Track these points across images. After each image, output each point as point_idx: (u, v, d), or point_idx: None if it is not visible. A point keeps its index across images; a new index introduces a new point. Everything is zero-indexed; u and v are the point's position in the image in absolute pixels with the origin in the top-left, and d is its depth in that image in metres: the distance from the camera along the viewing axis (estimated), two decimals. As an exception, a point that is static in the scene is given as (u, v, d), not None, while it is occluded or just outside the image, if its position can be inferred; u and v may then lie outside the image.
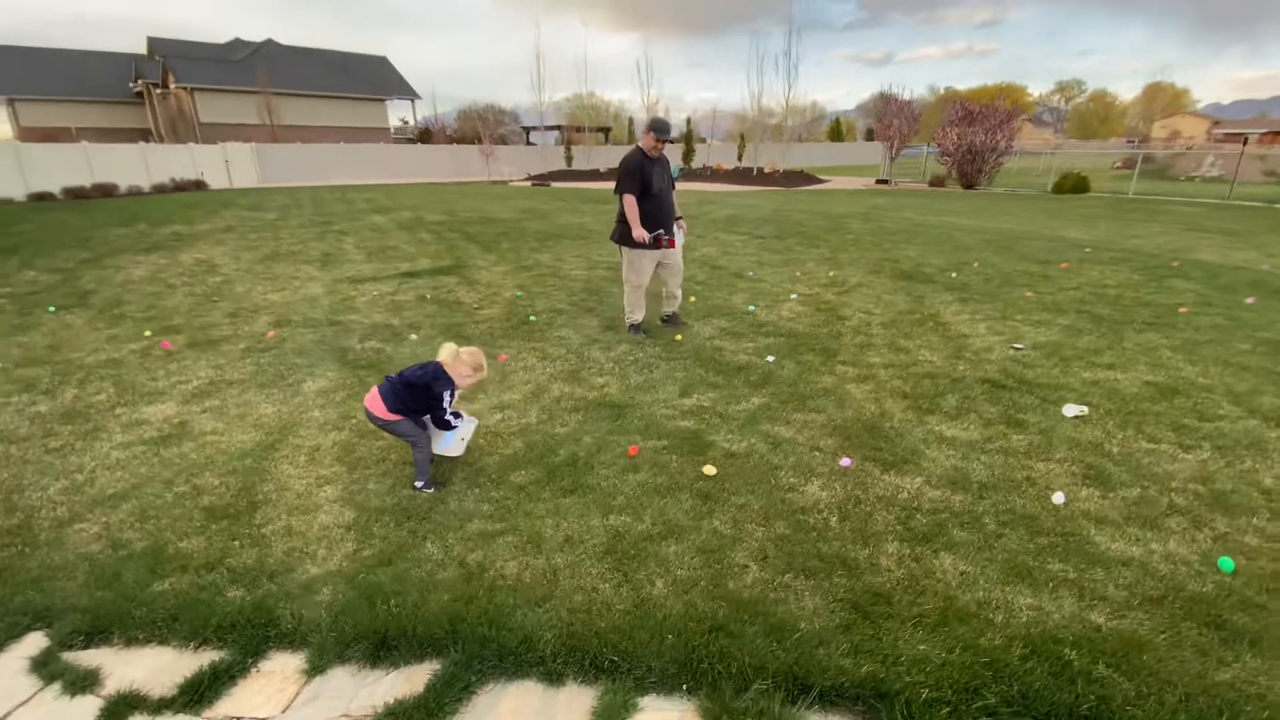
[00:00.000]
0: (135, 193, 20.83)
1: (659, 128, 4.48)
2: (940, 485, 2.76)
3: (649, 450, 3.06)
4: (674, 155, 30.10)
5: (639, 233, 4.42)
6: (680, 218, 4.85)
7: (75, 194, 19.41)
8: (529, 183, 25.14)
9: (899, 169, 23.86)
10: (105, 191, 20.27)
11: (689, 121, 30.61)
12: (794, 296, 6.15)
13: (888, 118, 22.00)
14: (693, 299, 6.08)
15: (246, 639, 1.96)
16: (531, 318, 5.45)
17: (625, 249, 4.64)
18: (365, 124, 34.35)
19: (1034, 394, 3.70)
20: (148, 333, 5.17)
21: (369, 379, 4.08)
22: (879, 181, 22.67)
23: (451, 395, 2.75)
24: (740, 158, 28.69)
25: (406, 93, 38.01)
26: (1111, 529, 2.44)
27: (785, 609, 2.03)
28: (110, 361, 4.50)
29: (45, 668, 1.87)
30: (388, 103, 36.60)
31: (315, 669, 1.88)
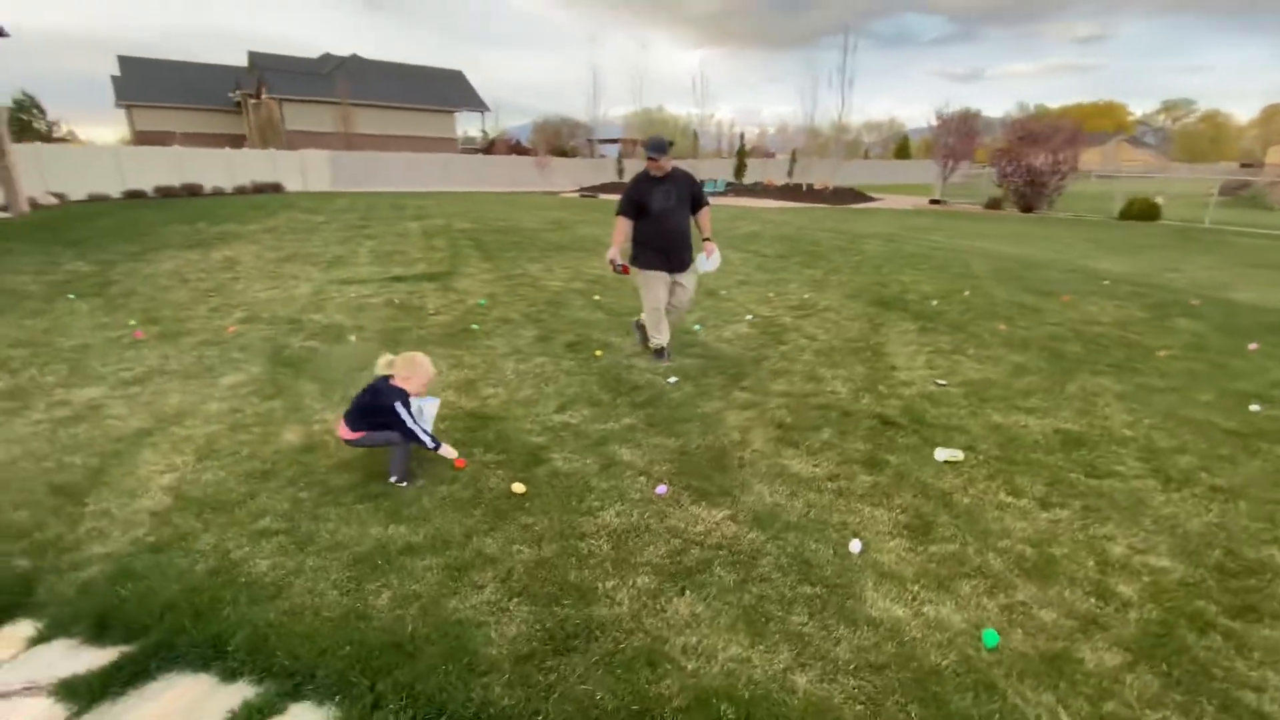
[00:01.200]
0: (218, 193, 22.82)
1: (649, 146, 4.37)
2: (744, 522, 2.64)
3: (477, 464, 3.09)
4: (724, 170, 30.13)
5: (611, 253, 4.41)
6: (708, 239, 4.58)
7: (165, 193, 21.48)
8: (578, 194, 25.69)
9: (957, 190, 22.72)
10: (192, 191, 22.32)
11: (742, 137, 30.42)
12: (749, 318, 6.02)
13: (941, 135, 21.05)
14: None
15: (1, 601, 2.14)
16: (474, 326, 5.60)
17: (635, 269, 4.52)
18: (434, 134, 36.21)
19: (920, 434, 3.47)
20: (131, 322, 5.67)
21: (281, 376, 4.34)
22: (932, 202, 21.66)
23: (405, 403, 2.84)
24: (790, 174, 28.21)
25: (477, 105, 39.78)
26: (892, 585, 2.26)
27: (483, 634, 2.00)
28: (81, 347, 4.97)
29: None
30: (457, 115, 38.42)
31: (42, 638, 2.02)
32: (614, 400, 3.92)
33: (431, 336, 5.31)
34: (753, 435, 3.45)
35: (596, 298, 6.78)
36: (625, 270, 4.47)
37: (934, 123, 21.73)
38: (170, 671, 1.89)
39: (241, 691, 1.82)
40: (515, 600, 2.17)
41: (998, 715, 1.74)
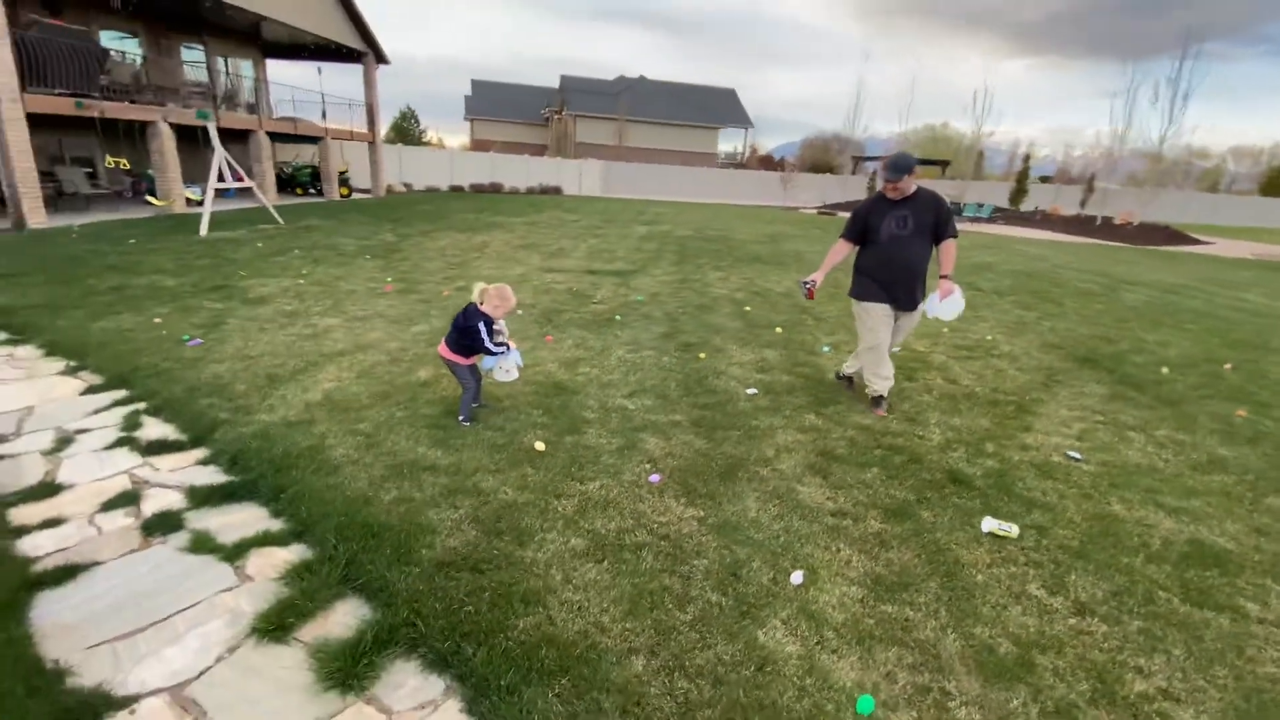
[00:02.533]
0: (514, 191, 27.66)
1: (888, 165, 3.85)
2: (707, 528, 2.65)
3: (527, 423, 3.57)
4: (998, 195, 26.36)
5: (813, 275, 4.07)
6: (945, 276, 3.84)
7: (477, 188, 26.82)
8: (816, 210, 25.07)
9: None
10: (495, 189, 27.45)
11: (1026, 159, 26.06)
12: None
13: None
14: (779, 329, 5.96)
15: (198, 434, 3.25)
16: (618, 317, 6.15)
17: (852, 301, 4.10)
18: (697, 149, 38.56)
19: (986, 500, 2.96)
20: (389, 279, 7.50)
21: (449, 331, 5.39)
22: (1295, 254, 16.07)
23: (488, 325, 3.44)
24: (1083, 204, 23.39)
25: (742, 122, 41.14)
26: (806, 624, 2.11)
27: (430, 539, 2.45)
28: (349, 292, 6.78)
29: (132, 419, 3.46)
30: (721, 131, 40.25)
31: (203, 462, 3.04)
32: (680, 398, 4.08)
33: (578, 320, 6.00)
34: (787, 457, 3.33)
35: (747, 308, 6.84)
36: (811, 295, 4.08)
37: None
38: (247, 500, 2.72)
39: (274, 524, 2.55)
40: (471, 525, 2.58)
41: (804, 768, 1.61)
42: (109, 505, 2.65)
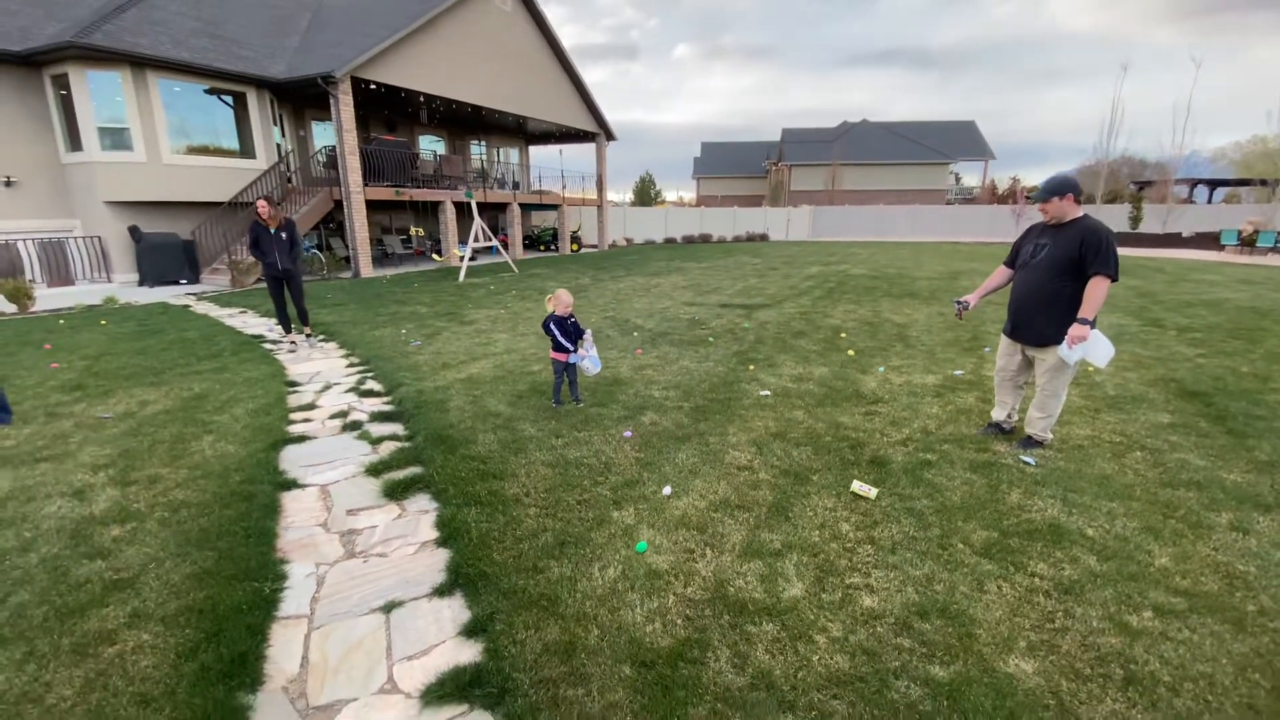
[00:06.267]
0: (720, 240, 29.79)
1: (1042, 187, 3.70)
2: (638, 463, 3.74)
3: (579, 398, 5.00)
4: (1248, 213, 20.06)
5: (969, 295, 4.13)
6: (1082, 319, 3.39)
7: (687, 239, 29.54)
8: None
9: None
10: (704, 238, 29.88)
11: None
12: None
13: None
14: (851, 352, 6.43)
15: (389, 389, 5.36)
16: (710, 340, 7.27)
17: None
18: (920, 186, 36.58)
19: (885, 478, 3.50)
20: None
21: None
22: None
23: (557, 323, 4.84)
24: None
25: (981, 154, 37.91)
26: (651, 513, 3.13)
27: (469, 446, 4.01)
28: (528, 318, 9.04)
29: (361, 380, 5.76)
30: (954, 165, 37.52)
31: (386, 402, 5.10)
32: (702, 393, 5.10)
33: (677, 340, 7.27)
34: (742, 434, 4.18)
35: (843, 335, 7.35)
36: (959, 315, 4.16)
37: None
38: (396, 421, 4.62)
39: (401, 431, 4.38)
40: (498, 444, 4.07)
41: (544, 557, 2.71)
42: (333, 416, 4.77)
